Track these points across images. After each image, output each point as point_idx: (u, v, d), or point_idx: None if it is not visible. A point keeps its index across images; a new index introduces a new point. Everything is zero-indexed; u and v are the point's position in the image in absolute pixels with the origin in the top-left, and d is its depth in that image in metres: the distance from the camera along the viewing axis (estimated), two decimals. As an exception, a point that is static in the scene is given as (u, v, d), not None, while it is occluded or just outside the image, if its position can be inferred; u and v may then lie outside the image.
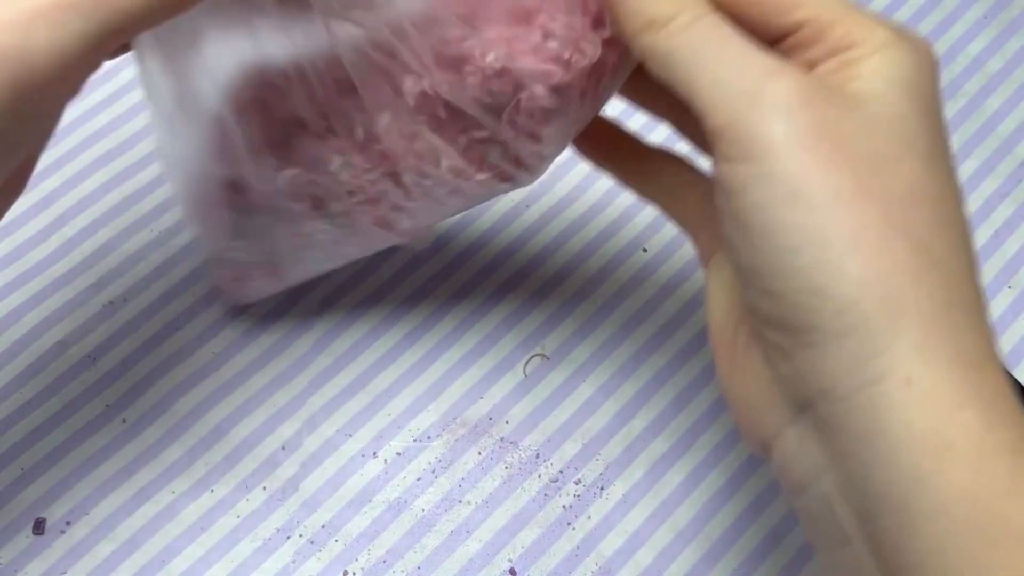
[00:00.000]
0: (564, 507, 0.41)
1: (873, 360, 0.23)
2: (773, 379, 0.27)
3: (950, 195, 0.25)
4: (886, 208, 0.24)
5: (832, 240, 0.24)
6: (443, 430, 0.43)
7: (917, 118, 0.25)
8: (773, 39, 0.27)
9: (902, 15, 0.54)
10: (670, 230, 0.47)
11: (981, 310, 0.25)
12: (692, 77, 0.25)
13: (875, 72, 0.25)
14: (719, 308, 0.30)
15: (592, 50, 0.29)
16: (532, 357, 0.44)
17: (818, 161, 0.24)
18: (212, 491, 0.41)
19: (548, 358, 0.44)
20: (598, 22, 0.29)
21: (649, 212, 0.47)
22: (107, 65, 0.31)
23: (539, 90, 0.29)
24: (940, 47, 0.53)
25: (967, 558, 0.22)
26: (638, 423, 0.43)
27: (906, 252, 0.24)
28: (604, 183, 0.48)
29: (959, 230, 0.25)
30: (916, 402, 0.23)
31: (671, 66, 0.26)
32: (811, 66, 0.26)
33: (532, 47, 0.29)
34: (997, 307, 0.46)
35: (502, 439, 0.42)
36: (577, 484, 0.42)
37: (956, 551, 0.22)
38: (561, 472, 0.42)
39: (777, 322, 0.25)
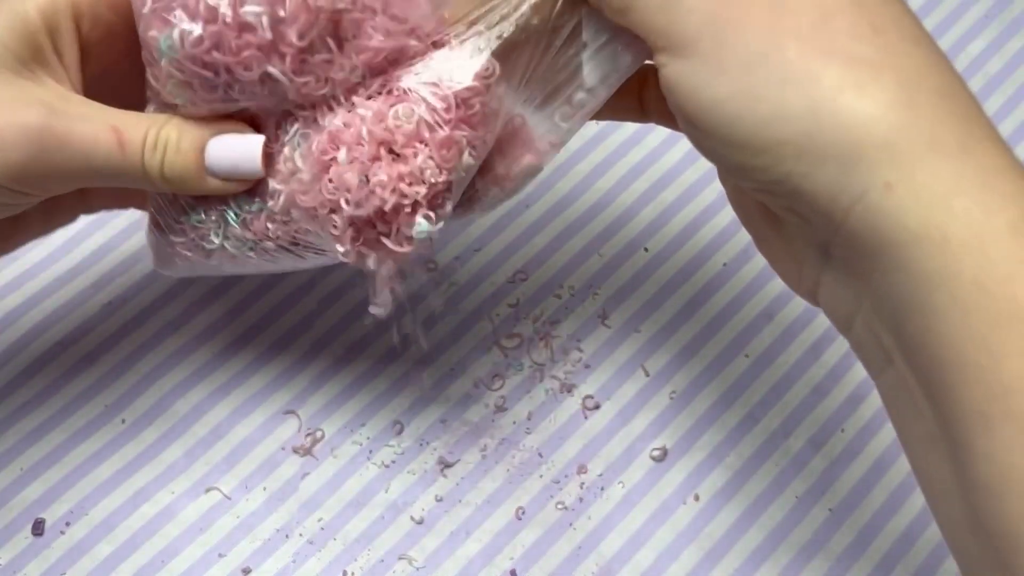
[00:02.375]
0: (565, 507, 0.41)
1: (852, 177, 0.24)
2: (795, 237, 0.29)
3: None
4: (800, 36, 0.25)
5: (771, 86, 0.25)
6: (444, 430, 0.42)
7: None
8: None
9: (902, 15, 0.54)
10: (671, 230, 0.47)
11: (963, 94, 0.26)
12: (627, 6, 0.27)
13: None
14: (734, 200, 0.32)
15: None
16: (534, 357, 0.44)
17: (737, 23, 0.25)
18: (212, 491, 0.41)
19: (553, 361, 0.44)
20: None
21: (650, 212, 0.47)
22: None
23: None
24: (940, 47, 0.53)
25: (980, 344, 0.23)
26: (638, 423, 0.43)
27: (840, 69, 0.25)
28: (604, 183, 0.48)
29: (905, 29, 0.26)
30: (901, 203, 0.24)
31: (616, 6, 0.28)
32: None
33: None
34: (998, 307, 0.46)
35: (503, 440, 0.42)
36: (578, 485, 0.41)
37: (970, 340, 0.23)
38: (562, 472, 0.42)
39: (766, 186, 0.27)
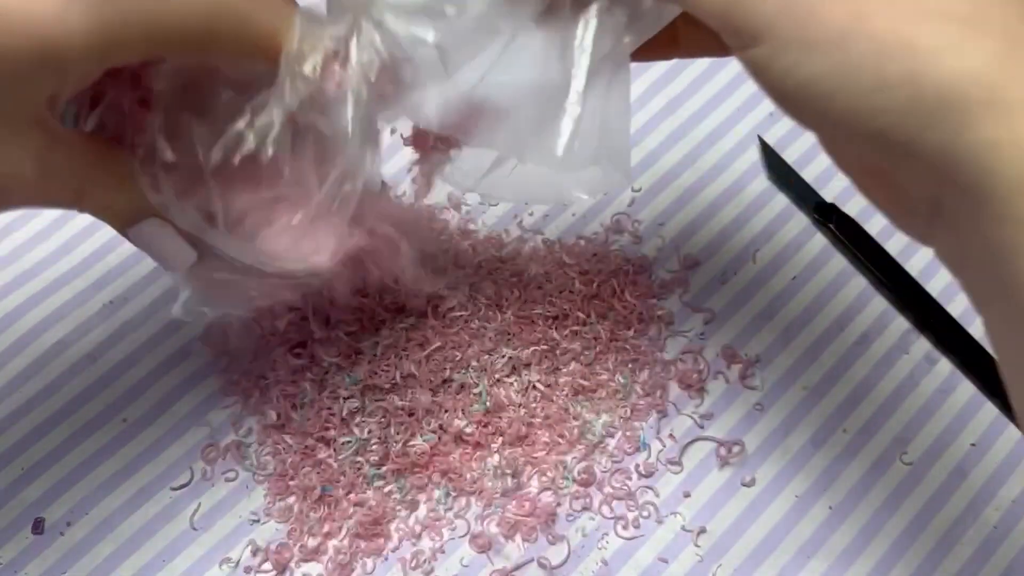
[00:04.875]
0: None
1: (958, 135, 0.24)
2: (906, 191, 0.28)
3: None
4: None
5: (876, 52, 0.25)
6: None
7: None
8: None
9: (899, 19, 0.54)
10: (669, 231, 0.47)
11: None
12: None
13: None
14: (840, 163, 0.31)
15: None
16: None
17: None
18: (212, 491, 0.41)
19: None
20: None
21: (649, 213, 0.48)
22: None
23: None
24: None
25: None
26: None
27: (934, 31, 0.25)
28: (604, 184, 0.48)
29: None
30: (1005, 157, 0.24)
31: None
32: None
33: None
34: (995, 308, 0.46)
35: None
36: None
37: None
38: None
39: (869, 151, 0.27)
